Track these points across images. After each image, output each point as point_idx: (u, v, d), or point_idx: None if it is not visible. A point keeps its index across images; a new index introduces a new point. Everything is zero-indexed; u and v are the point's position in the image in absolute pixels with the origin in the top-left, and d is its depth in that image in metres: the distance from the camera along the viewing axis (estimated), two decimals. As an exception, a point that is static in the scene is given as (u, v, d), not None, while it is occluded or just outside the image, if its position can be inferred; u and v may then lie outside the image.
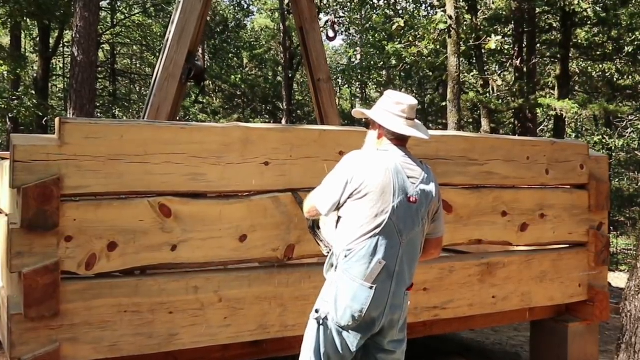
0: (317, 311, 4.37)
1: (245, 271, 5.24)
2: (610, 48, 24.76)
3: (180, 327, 4.93)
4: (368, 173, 4.24)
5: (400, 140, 4.46)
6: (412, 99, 4.53)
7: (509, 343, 8.70)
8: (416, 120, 4.55)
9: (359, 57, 36.23)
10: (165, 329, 4.88)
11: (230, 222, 5.08)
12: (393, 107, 4.46)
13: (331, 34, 11.26)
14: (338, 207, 4.38)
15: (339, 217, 4.40)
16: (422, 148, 5.65)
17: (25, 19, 22.75)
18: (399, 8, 29.28)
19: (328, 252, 4.56)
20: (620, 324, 6.51)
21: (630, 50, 23.18)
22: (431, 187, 4.44)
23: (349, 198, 4.29)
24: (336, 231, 4.44)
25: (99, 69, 29.29)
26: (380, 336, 4.39)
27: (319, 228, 4.83)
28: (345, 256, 4.26)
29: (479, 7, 24.15)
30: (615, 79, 27.58)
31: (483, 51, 23.73)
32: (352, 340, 4.31)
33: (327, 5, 28.28)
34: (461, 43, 17.03)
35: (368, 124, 4.70)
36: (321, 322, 4.32)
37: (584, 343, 6.93)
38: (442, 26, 16.32)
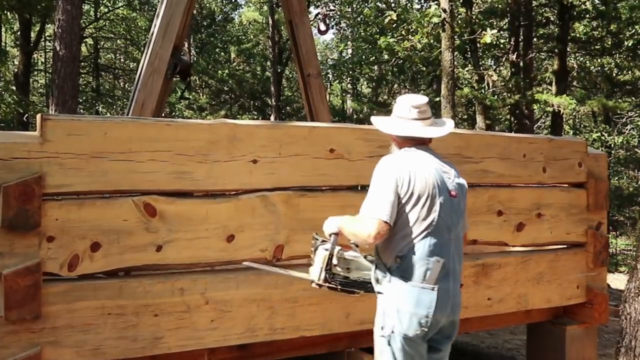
0: (382, 328, 4.28)
1: (232, 272, 5.16)
2: (610, 42, 24.75)
3: (166, 330, 4.86)
4: (412, 174, 4.20)
5: (418, 141, 4.41)
6: (416, 98, 4.50)
7: (504, 347, 8.68)
8: (438, 119, 4.57)
9: (350, 51, 36.07)
10: (150, 332, 4.80)
11: (217, 221, 5.01)
12: (399, 111, 4.45)
13: (322, 27, 11.12)
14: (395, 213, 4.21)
15: None
16: None
17: (5, 12, 22.59)
18: (391, 1, 29.21)
19: (369, 290, 4.42)
20: (619, 326, 6.46)
21: (629, 45, 23.15)
22: (463, 181, 4.48)
23: (400, 202, 4.18)
24: (383, 241, 4.23)
25: (82, 63, 29.05)
26: (438, 335, 4.34)
27: (334, 275, 4.40)
28: (400, 262, 4.18)
29: (473, 0, 24.08)
30: (614, 74, 27.57)
31: (478, 45, 23.66)
32: (422, 350, 4.28)
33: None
34: (455, 37, 16.93)
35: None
36: (389, 338, 4.23)
37: (582, 346, 6.85)
38: (435, 20, 16.26)
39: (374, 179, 4.30)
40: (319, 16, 13.59)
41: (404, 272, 4.17)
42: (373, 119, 4.62)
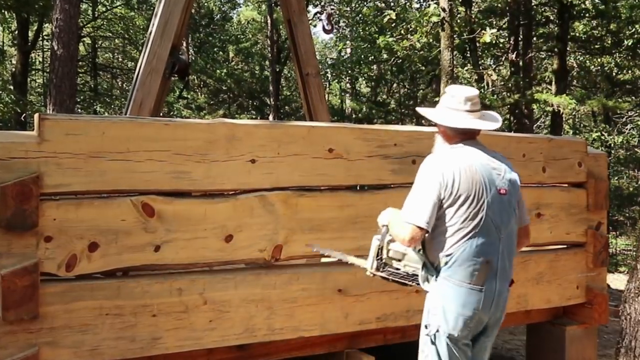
0: (426, 327, 4.37)
1: (231, 272, 5.15)
2: (609, 41, 24.67)
3: (164, 330, 4.83)
4: (456, 174, 4.21)
5: (468, 135, 4.42)
6: (468, 90, 4.50)
7: (504, 347, 8.65)
8: (486, 111, 4.57)
9: (348, 51, 35.99)
10: (148, 332, 4.78)
11: (215, 221, 4.98)
12: (450, 102, 4.44)
13: (328, 26, 11.11)
14: (437, 216, 4.25)
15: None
16: (415, 145, 5.67)
17: (2, 11, 22.47)
18: (390, 0, 29.16)
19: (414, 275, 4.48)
20: (619, 327, 6.44)
21: (629, 44, 23.05)
22: (515, 176, 4.47)
23: (443, 204, 4.22)
24: (430, 240, 4.32)
25: (80, 63, 28.84)
26: (482, 335, 4.45)
27: (386, 265, 4.55)
28: (446, 263, 4.24)
29: (473, -1, 24.09)
30: (614, 74, 27.55)
31: (477, 45, 23.62)
32: (466, 347, 4.34)
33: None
34: (455, 36, 16.88)
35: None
36: (433, 337, 4.31)
37: (582, 347, 6.82)
38: (435, 19, 16.22)
39: (418, 179, 4.36)
40: (318, 15, 13.57)
41: (451, 271, 4.22)
42: (422, 110, 4.65)
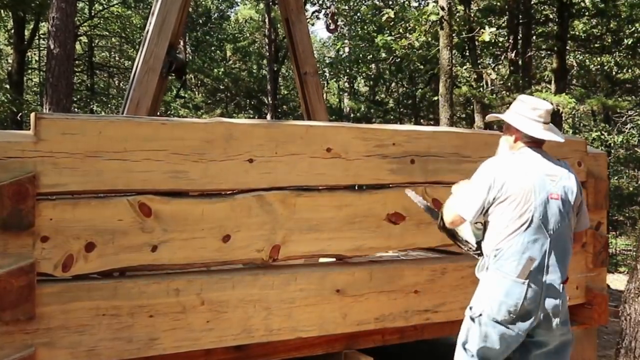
0: (471, 308, 4.79)
1: (228, 273, 5.12)
2: (609, 40, 24.69)
3: (161, 331, 4.80)
4: (508, 176, 4.64)
5: (536, 143, 4.81)
6: (547, 104, 4.91)
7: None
8: (550, 124, 4.90)
9: (347, 49, 35.95)
10: (145, 333, 4.75)
11: (212, 221, 4.95)
12: (530, 112, 4.83)
13: (332, 26, 11.15)
14: (482, 213, 4.75)
15: (486, 222, 4.80)
16: (413, 144, 5.68)
17: (-1, 10, 22.50)
18: (388, -2, 29.19)
19: (470, 250, 5.07)
20: (619, 327, 6.41)
21: (629, 43, 23.09)
22: (572, 183, 4.81)
23: (493, 202, 4.68)
24: (485, 234, 4.82)
25: (76, 62, 28.83)
26: (539, 329, 4.70)
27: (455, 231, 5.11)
28: (495, 256, 4.66)
29: (471, -2, 24.07)
30: (614, 73, 27.55)
31: (476, 43, 23.63)
32: (509, 334, 4.66)
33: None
34: (454, 35, 16.88)
35: (500, 128, 5.07)
36: (475, 319, 4.71)
37: (581, 348, 6.77)
38: (433, 17, 16.22)
39: (475, 176, 4.82)
40: (317, 14, 13.59)
41: (499, 264, 4.63)
42: (501, 115, 5.02)
